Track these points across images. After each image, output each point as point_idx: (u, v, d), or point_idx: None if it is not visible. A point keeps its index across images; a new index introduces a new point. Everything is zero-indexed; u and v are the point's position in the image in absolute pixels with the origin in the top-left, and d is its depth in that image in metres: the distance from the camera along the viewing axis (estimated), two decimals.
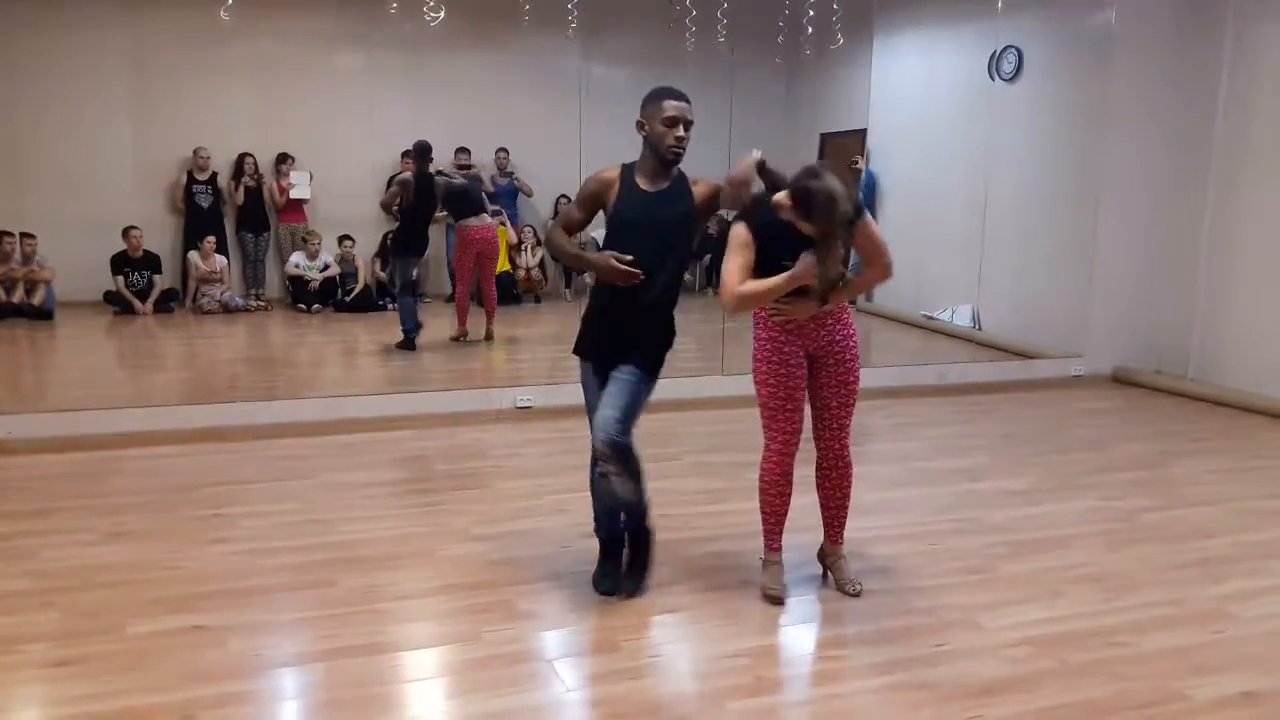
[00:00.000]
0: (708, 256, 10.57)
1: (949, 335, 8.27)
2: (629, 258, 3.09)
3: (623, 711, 2.63)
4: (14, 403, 5.62)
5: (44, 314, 8.41)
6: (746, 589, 3.39)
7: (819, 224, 2.96)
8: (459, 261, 7.85)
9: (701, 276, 10.65)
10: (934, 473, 4.86)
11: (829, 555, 3.50)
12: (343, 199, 9.82)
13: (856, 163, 9.01)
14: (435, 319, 9.09)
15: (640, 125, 3.20)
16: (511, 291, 9.73)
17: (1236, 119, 6.57)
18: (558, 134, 8.14)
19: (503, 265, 9.62)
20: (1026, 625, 3.16)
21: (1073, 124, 7.44)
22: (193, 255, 9.07)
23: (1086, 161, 7.20)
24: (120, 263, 8.79)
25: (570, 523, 4.00)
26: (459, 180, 7.83)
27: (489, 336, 7.78)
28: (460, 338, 7.75)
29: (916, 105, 8.93)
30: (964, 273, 8.12)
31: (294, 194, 9.55)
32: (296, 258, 9.36)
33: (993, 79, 7.96)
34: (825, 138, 10.03)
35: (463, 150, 9.77)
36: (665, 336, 3.28)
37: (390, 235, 9.58)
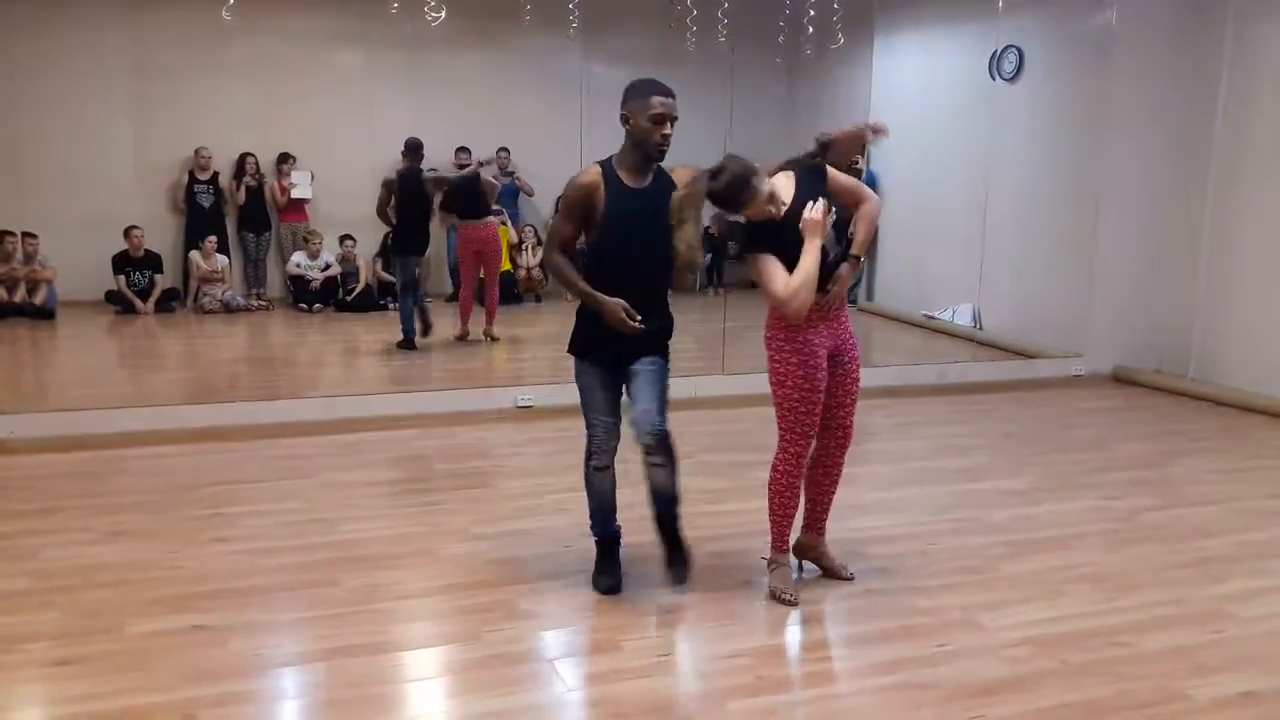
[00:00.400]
0: (708, 256, 10.57)
1: (949, 335, 8.27)
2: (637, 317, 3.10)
3: (623, 711, 2.63)
4: (15, 402, 5.63)
5: (45, 313, 8.41)
6: (748, 589, 3.40)
7: (743, 201, 3.09)
8: (461, 261, 7.85)
9: (702, 276, 10.65)
10: (934, 472, 4.86)
11: (814, 547, 3.52)
12: (344, 199, 9.80)
13: (857, 163, 9.00)
14: (436, 319, 9.11)
15: (625, 119, 3.16)
16: (512, 291, 9.73)
17: (1237, 118, 6.56)
18: (559, 133, 8.14)
19: (504, 265, 9.63)
20: (1027, 625, 3.16)
21: (1073, 123, 7.43)
22: (194, 255, 9.07)
23: (1087, 161, 7.20)
24: (121, 262, 8.79)
25: (571, 522, 4.00)
26: (455, 175, 7.80)
27: (490, 336, 7.78)
28: (462, 337, 7.75)
29: (917, 105, 8.92)
30: (965, 272, 8.11)
31: (295, 193, 9.55)
32: (298, 257, 9.36)
33: (993, 79, 7.96)
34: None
35: (463, 150, 9.75)
36: (668, 322, 3.33)
37: (388, 235, 9.62)
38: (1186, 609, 3.33)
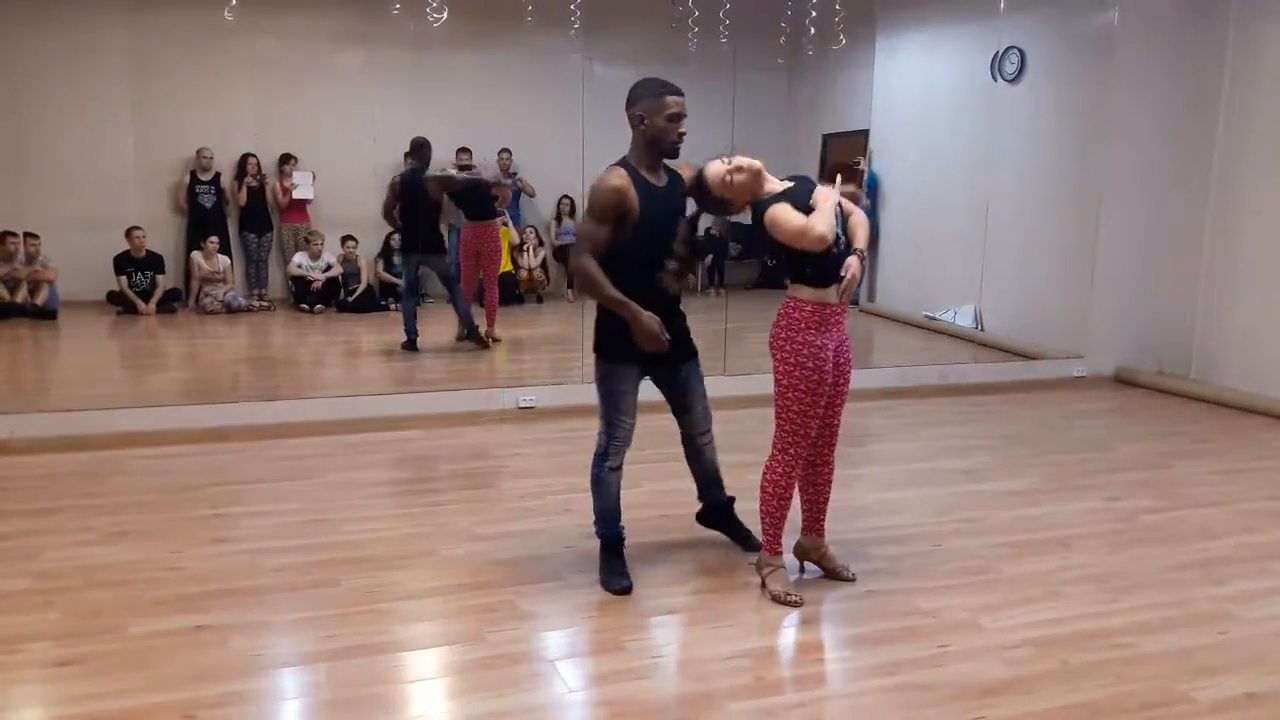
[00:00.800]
0: (709, 257, 10.57)
1: (951, 335, 8.26)
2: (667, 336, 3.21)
3: (625, 712, 2.63)
4: (17, 402, 5.63)
5: (47, 314, 8.42)
6: (748, 590, 3.39)
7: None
8: (462, 262, 7.85)
9: (704, 276, 10.65)
10: (935, 473, 4.86)
11: (815, 548, 3.51)
12: (345, 199, 9.82)
13: (859, 163, 9.01)
14: (435, 320, 9.10)
15: (640, 119, 3.19)
16: (514, 292, 9.74)
17: (1238, 119, 6.56)
18: (560, 134, 8.15)
19: (505, 265, 9.63)
20: (1028, 626, 3.16)
21: (1075, 125, 7.43)
22: (195, 255, 9.08)
23: (1088, 162, 7.19)
24: (123, 263, 8.80)
25: (573, 523, 4.00)
26: (461, 177, 7.80)
27: (492, 337, 7.78)
28: (462, 338, 7.75)
29: (919, 106, 8.93)
30: (966, 273, 8.11)
31: (297, 194, 9.56)
32: (299, 258, 9.37)
33: (995, 79, 7.96)
34: (828, 138, 10.02)
35: (464, 150, 9.77)
36: (685, 319, 3.49)
37: (390, 235, 9.62)
38: (1188, 610, 3.32)
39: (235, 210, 9.50)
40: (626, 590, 3.32)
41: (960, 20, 8.50)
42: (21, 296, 8.39)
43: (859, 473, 4.81)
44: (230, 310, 8.97)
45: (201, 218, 9.23)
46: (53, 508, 4.08)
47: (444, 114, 9.73)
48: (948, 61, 8.79)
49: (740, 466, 4.73)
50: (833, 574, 3.48)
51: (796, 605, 3.26)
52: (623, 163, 3.25)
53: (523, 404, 5.82)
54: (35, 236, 8.49)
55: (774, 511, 3.31)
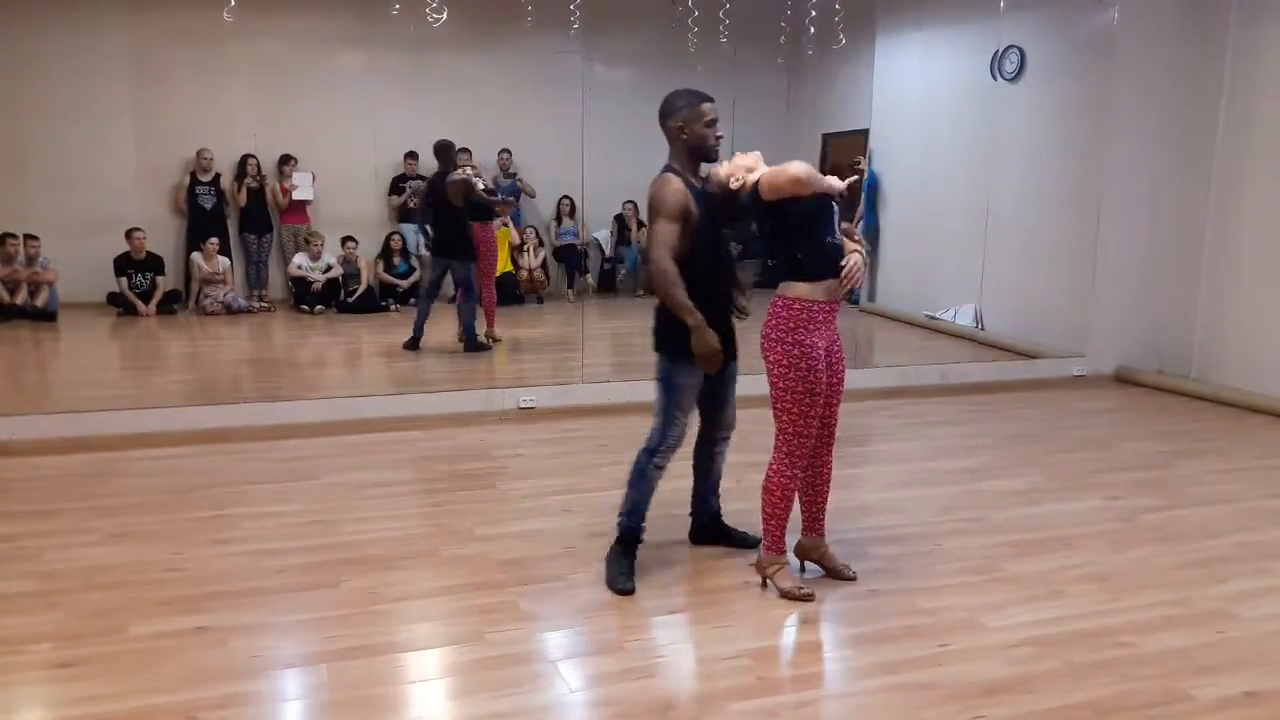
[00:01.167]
0: None
1: (951, 335, 8.27)
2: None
3: (626, 712, 2.63)
4: (17, 404, 5.63)
5: (47, 315, 8.42)
6: (749, 590, 3.39)
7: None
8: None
9: None
10: (936, 472, 4.86)
11: (816, 548, 3.51)
12: (345, 200, 9.83)
13: (859, 163, 9.01)
14: (435, 320, 9.10)
15: (680, 129, 3.36)
16: (514, 292, 9.74)
17: (1238, 118, 6.56)
18: (560, 134, 8.16)
19: (505, 266, 9.64)
20: (1030, 625, 3.16)
21: (1075, 124, 7.43)
22: (195, 256, 9.08)
23: (1089, 161, 7.19)
24: (123, 264, 8.80)
25: (574, 524, 4.00)
26: (480, 189, 7.77)
27: (491, 338, 7.78)
28: (486, 339, 7.75)
29: (919, 105, 8.92)
30: (966, 272, 8.11)
31: (296, 195, 9.56)
32: (299, 259, 9.37)
33: (995, 79, 7.96)
34: (828, 138, 10.02)
35: (464, 151, 9.75)
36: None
37: (389, 236, 9.63)
38: (1189, 609, 3.32)
39: (235, 211, 9.50)
40: (628, 593, 3.33)
41: (960, 19, 8.50)
42: (21, 298, 8.40)
43: (860, 472, 4.81)
44: (230, 311, 8.98)
45: (201, 219, 9.24)
46: (54, 509, 4.08)
47: (444, 115, 9.73)
48: (948, 61, 8.78)
49: (737, 466, 4.72)
50: (834, 573, 3.48)
51: (809, 599, 3.27)
52: (670, 169, 3.40)
53: (523, 405, 5.82)
54: (35, 238, 8.49)
55: (778, 513, 3.31)
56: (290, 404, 5.57)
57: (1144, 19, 6.88)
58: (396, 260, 9.62)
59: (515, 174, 10.14)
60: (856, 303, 8.88)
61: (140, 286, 8.84)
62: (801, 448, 3.25)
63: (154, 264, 8.92)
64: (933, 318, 8.57)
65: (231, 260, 9.31)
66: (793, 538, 3.48)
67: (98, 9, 8.90)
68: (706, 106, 3.36)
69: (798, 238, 3.18)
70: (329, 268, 9.35)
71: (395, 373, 7.06)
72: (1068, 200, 7.46)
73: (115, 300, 8.84)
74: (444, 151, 7.50)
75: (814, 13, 8.36)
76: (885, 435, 5.69)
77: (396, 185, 9.87)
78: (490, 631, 3.06)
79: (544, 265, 10.20)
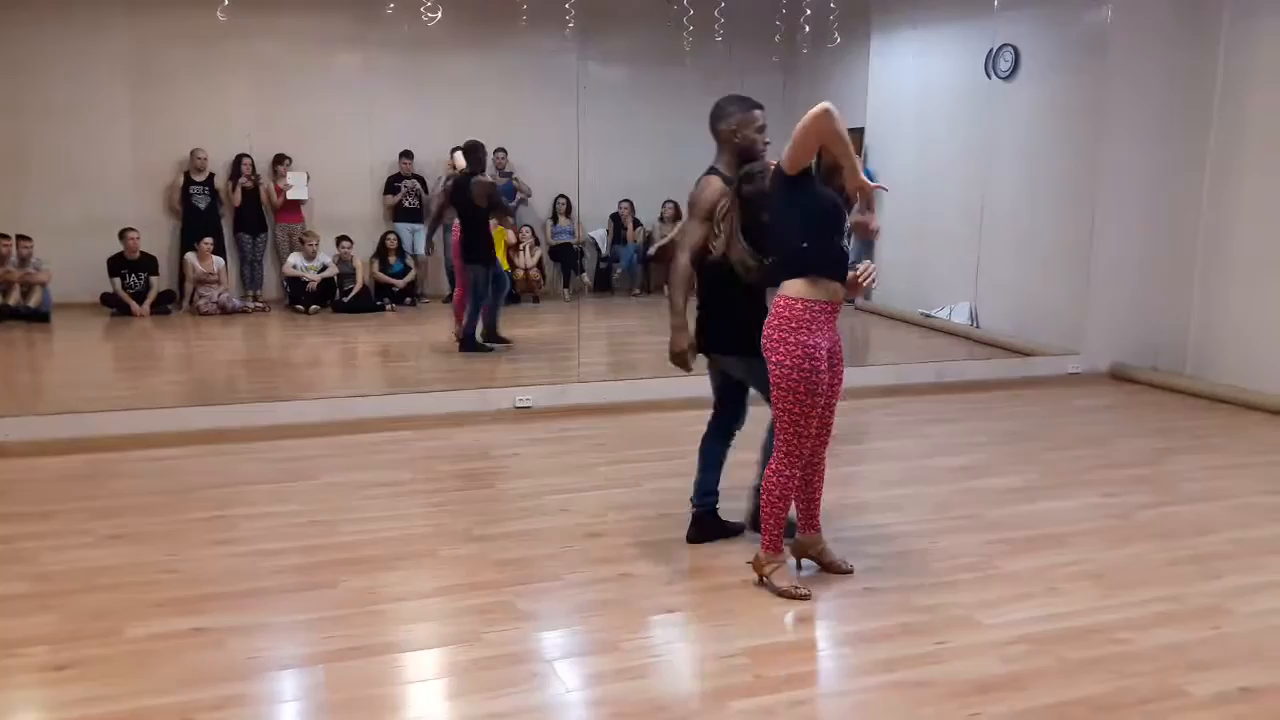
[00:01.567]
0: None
1: (947, 333, 8.28)
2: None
3: (623, 712, 2.63)
4: (11, 405, 5.62)
5: (40, 316, 8.39)
6: (745, 588, 3.40)
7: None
8: (455, 261, 7.83)
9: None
10: (932, 470, 4.87)
11: (813, 544, 3.52)
12: (340, 199, 9.81)
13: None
14: (434, 320, 9.10)
15: (731, 133, 3.51)
16: (510, 292, 9.73)
17: (1232, 115, 6.57)
18: (556, 134, 8.15)
19: (501, 265, 9.62)
20: (1025, 622, 3.17)
21: (1069, 121, 7.44)
22: (190, 257, 9.06)
23: (1083, 159, 7.20)
24: (117, 264, 8.77)
25: (571, 523, 4.01)
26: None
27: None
28: (481, 339, 7.74)
29: (914, 104, 8.94)
30: (962, 270, 8.13)
31: (291, 194, 9.54)
32: (294, 259, 9.36)
33: (989, 77, 7.97)
34: None
35: (459, 150, 9.76)
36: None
37: (385, 236, 9.61)
38: (1184, 605, 3.33)
39: (230, 211, 9.48)
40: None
41: (954, 18, 8.51)
42: (14, 299, 8.37)
43: (856, 470, 4.82)
44: (225, 311, 8.95)
45: (196, 219, 9.21)
46: (49, 511, 4.07)
47: (439, 114, 9.72)
48: (942, 59, 8.79)
49: (735, 465, 4.73)
50: (831, 568, 3.49)
51: (805, 598, 3.28)
52: (713, 171, 3.55)
53: (519, 404, 5.82)
54: (27, 239, 8.46)
55: (778, 512, 3.32)
56: (287, 404, 5.57)
57: (1137, 16, 6.89)
58: (392, 259, 9.60)
59: (511, 173, 10.13)
60: (851, 301, 8.88)
61: (134, 287, 8.82)
62: (800, 447, 3.25)
63: (148, 264, 8.89)
64: (928, 316, 8.58)
65: (226, 260, 9.29)
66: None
67: (93, 9, 8.86)
68: (757, 113, 3.53)
69: (807, 232, 3.18)
70: (324, 267, 9.33)
71: (392, 373, 7.06)
72: (1062, 198, 7.48)
73: (109, 301, 8.81)
74: (474, 152, 7.47)
75: (809, 11, 8.37)
76: (881, 433, 5.69)
77: (391, 185, 9.85)
78: (487, 631, 3.06)
79: (540, 264, 10.18)
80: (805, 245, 3.17)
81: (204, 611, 3.16)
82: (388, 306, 9.37)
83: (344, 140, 9.69)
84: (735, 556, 3.66)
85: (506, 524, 4.01)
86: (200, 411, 5.41)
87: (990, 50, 7.90)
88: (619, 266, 10.51)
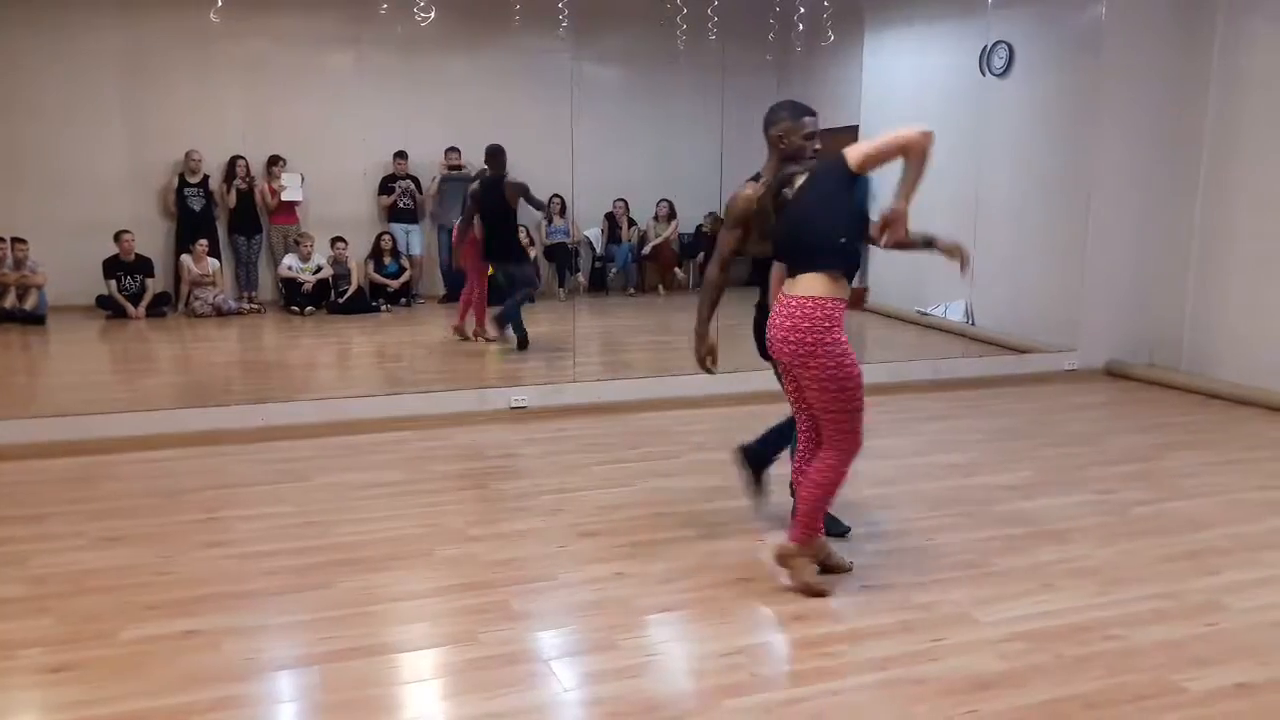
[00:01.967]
0: (700, 254, 10.59)
1: (942, 330, 8.28)
2: None
3: (620, 710, 2.63)
4: (7, 408, 5.60)
5: (36, 319, 8.38)
6: (742, 587, 3.40)
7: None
8: (470, 260, 7.81)
9: (695, 275, 10.67)
10: (928, 468, 4.87)
11: (821, 545, 3.52)
12: (335, 200, 9.80)
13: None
14: (429, 321, 9.10)
15: (780, 138, 3.52)
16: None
17: (1227, 112, 6.58)
18: (549, 133, 8.15)
19: None
20: (1021, 619, 3.17)
21: (1064, 118, 7.45)
22: (185, 258, 9.05)
23: (1078, 155, 7.21)
24: (112, 267, 8.76)
25: (567, 522, 4.00)
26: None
27: (485, 337, 7.78)
28: (475, 338, 7.75)
29: (908, 101, 8.93)
30: (957, 267, 8.11)
31: (285, 196, 9.53)
32: (289, 260, 9.35)
33: (984, 74, 7.97)
34: None
35: (453, 150, 9.76)
36: None
37: (380, 237, 9.61)
38: (1180, 602, 3.33)
39: (225, 213, 9.46)
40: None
41: (948, 15, 8.52)
42: (10, 302, 8.36)
43: (852, 467, 4.81)
44: (220, 313, 8.94)
45: (191, 221, 9.20)
46: (43, 513, 4.07)
47: (433, 114, 9.72)
48: (936, 56, 8.80)
49: (733, 464, 4.73)
50: (833, 569, 3.47)
51: (823, 595, 3.30)
52: (756, 177, 3.56)
53: (515, 404, 5.82)
54: (23, 241, 8.45)
55: (825, 508, 3.36)
56: (281, 405, 5.56)
57: (1132, 13, 6.90)
58: (387, 260, 9.59)
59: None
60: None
61: (129, 289, 8.81)
62: (861, 439, 3.30)
63: (143, 266, 8.88)
64: (924, 313, 8.59)
65: (221, 262, 9.28)
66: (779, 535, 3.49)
67: (87, 11, 8.85)
68: (808, 120, 3.53)
69: (850, 229, 3.23)
70: (319, 269, 9.33)
71: (387, 373, 7.05)
72: (1057, 194, 7.48)
73: (104, 303, 8.80)
74: (497, 155, 7.53)
75: (802, 10, 8.38)
76: (877, 431, 5.67)
77: (386, 185, 9.85)
78: (483, 631, 3.05)
79: (535, 264, 10.17)
80: (844, 240, 3.20)
81: (199, 613, 3.16)
82: (383, 307, 9.37)
83: (338, 141, 9.69)
84: (732, 556, 3.67)
85: (502, 524, 4.01)
86: (195, 413, 5.40)
87: (984, 47, 7.91)
88: (614, 266, 10.51)
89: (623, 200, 10.44)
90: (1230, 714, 2.66)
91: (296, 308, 9.14)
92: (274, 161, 9.50)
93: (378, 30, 9.14)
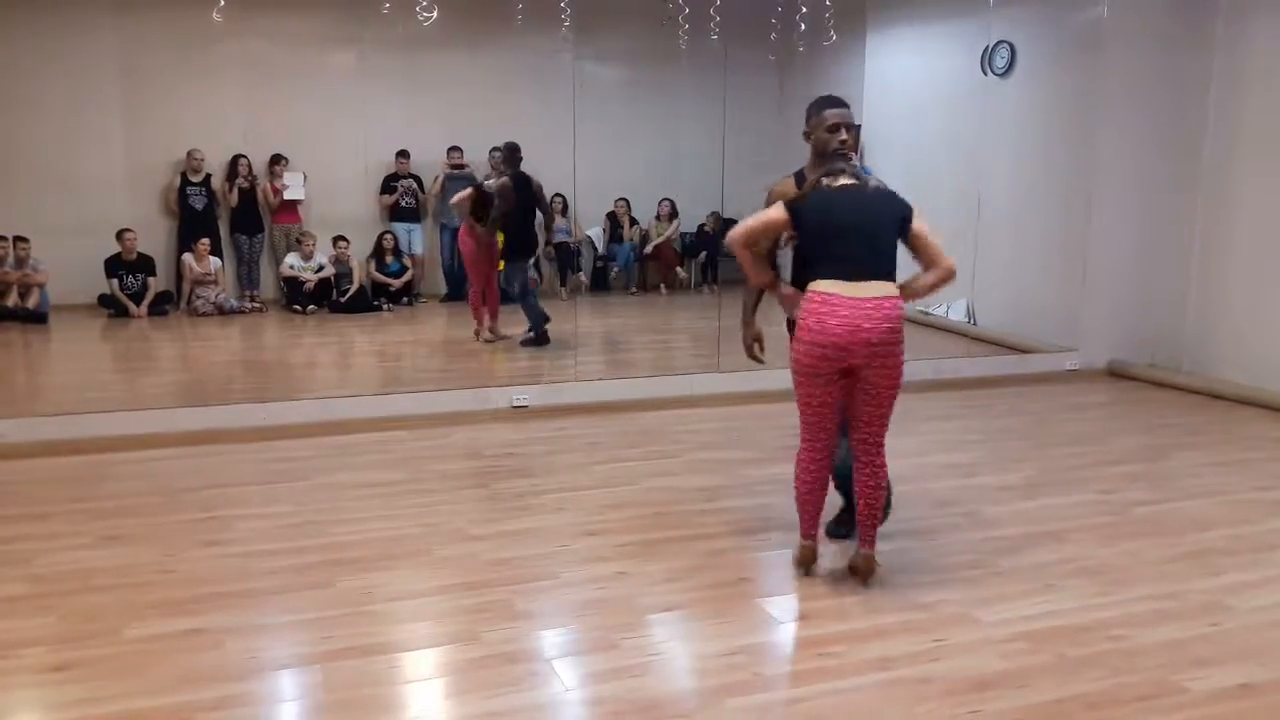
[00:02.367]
0: (703, 254, 10.59)
1: (944, 330, 8.28)
2: None
3: (621, 710, 2.63)
4: (9, 406, 5.61)
5: (38, 317, 8.38)
6: (744, 586, 3.40)
7: None
8: (478, 261, 7.81)
9: (697, 274, 10.67)
10: (929, 468, 4.87)
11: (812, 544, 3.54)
12: (337, 199, 9.81)
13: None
14: (431, 320, 9.10)
15: (808, 135, 3.54)
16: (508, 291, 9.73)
17: (1228, 112, 6.58)
18: (552, 133, 8.14)
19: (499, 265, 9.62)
20: (1023, 620, 3.17)
21: (1065, 118, 7.44)
22: (187, 257, 9.05)
23: (1079, 155, 7.20)
24: (114, 265, 8.76)
25: (567, 521, 4.00)
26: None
27: (496, 335, 7.79)
28: (488, 336, 7.75)
29: (910, 101, 8.93)
30: (958, 267, 8.10)
31: (287, 195, 9.53)
32: (291, 259, 9.35)
33: (985, 74, 7.97)
34: None
35: (455, 149, 9.76)
36: None
37: (382, 236, 9.60)
38: (1182, 602, 3.33)
39: (226, 212, 9.47)
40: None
41: (950, 15, 8.51)
42: (12, 300, 8.36)
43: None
44: (222, 312, 8.95)
45: (192, 219, 9.20)
46: (46, 512, 4.07)
47: (435, 113, 9.72)
48: (938, 56, 8.80)
49: (735, 463, 4.74)
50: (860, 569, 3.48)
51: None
52: (799, 173, 3.58)
53: (517, 403, 5.82)
54: (24, 240, 8.45)
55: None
56: (282, 405, 5.56)
57: (1133, 14, 6.89)
58: (388, 259, 9.59)
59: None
60: None
61: (131, 288, 8.81)
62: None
63: (145, 265, 8.88)
64: (925, 313, 8.58)
65: (223, 261, 9.28)
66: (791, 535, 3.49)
67: (87, 10, 8.85)
68: (829, 112, 3.49)
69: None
70: (321, 268, 9.32)
71: (388, 372, 7.05)
72: (1059, 195, 7.48)
73: (106, 302, 8.80)
74: (516, 152, 7.51)
75: (804, 9, 8.37)
76: None
77: (388, 184, 9.85)
78: (485, 630, 3.06)
79: (537, 263, 10.18)
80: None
81: (201, 612, 3.16)
82: (385, 306, 9.37)
83: (340, 140, 9.69)
84: (731, 555, 3.67)
85: (503, 523, 4.01)
86: (196, 413, 5.40)
87: (986, 47, 7.90)
88: (615, 265, 10.51)
89: (624, 199, 10.45)
90: (1232, 714, 2.66)
91: (298, 307, 9.14)
92: (276, 160, 9.51)
93: (380, 30, 9.14)
